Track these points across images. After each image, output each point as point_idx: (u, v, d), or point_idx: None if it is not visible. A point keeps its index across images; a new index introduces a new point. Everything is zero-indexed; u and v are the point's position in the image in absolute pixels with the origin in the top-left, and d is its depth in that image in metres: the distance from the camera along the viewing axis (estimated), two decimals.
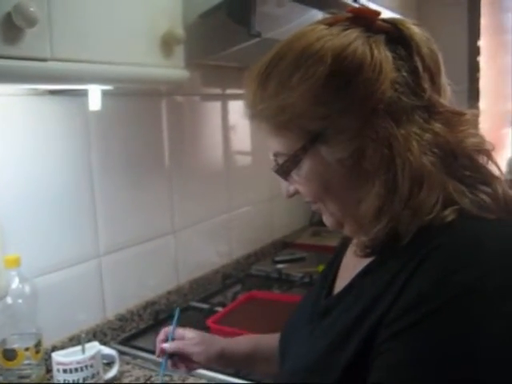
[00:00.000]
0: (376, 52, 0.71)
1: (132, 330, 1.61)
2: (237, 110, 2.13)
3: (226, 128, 2.06)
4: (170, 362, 1.11)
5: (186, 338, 1.11)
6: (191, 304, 1.79)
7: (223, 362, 1.11)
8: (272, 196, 2.34)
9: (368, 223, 0.74)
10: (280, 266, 2.12)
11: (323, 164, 0.76)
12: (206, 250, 1.98)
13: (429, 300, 0.64)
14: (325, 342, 0.76)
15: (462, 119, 0.74)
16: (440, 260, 0.66)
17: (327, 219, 0.82)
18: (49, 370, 1.31)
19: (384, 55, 0.71)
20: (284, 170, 0.79)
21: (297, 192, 0.82)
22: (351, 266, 0.87)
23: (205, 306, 1.76)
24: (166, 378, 1.30)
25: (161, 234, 1.76)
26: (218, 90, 2.03)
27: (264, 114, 0.78)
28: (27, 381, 1.26)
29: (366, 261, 0.79)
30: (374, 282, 0.74)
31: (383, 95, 0.70)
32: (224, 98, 2.05)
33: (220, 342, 1.11)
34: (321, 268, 1.97)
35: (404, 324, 0.65)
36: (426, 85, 0.72)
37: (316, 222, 2.63)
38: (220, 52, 1.58)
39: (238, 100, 2.14)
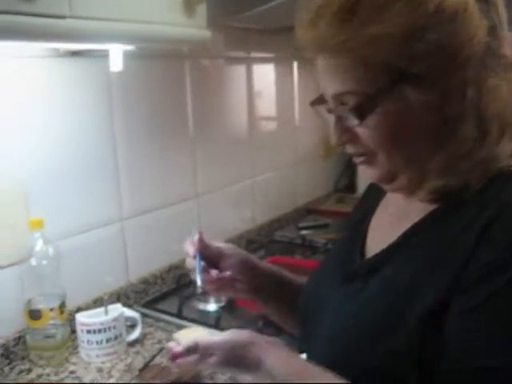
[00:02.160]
0: (473, 1, 0.70)
1: (155, 294, 1.62)
2: (262, 73, 2.10)
3: (250, 92, 2.03)
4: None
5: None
6: None
7: (255, 279, 0.99)
8: (296, 162, 2.32)
9: (438, 172, 0.74)
10: (303, 232, 2.11)
11: (405, 106, 0.71)
12: (230, 215, 1.98)
13: (505, 267, 0.64)
14: (381, 302, 0.75)
15: None
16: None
17: (377, 172, 0.78)
18: (73, 331, 1.33)
19: (478, 6, 0.70)
20: (361, 111, 0.72)
21: (351, 140, 0.77)
22: (386, 225, 0.85)
23: None
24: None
25: (184, 199, 1.75)
26: (242, 53, 1.99)
27: (346, 46, 0.70)
28: (51, 341, 1.27)
29: (409, 219, 0.79)
30: (435, 239, 0.73)
31: (478, 43, 0.69)
32: (249, 62, 2.01)
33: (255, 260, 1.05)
34: None
35: (483, 291, 0.65)
36: (503, 36, 0.73)
37: (340, 189, 2.60)
38: (244, 12, 1.54)
39: (263, 64, 2.11)
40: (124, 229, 1.55)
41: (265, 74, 2.13)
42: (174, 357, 0.78)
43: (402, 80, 0.70)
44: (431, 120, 0.72)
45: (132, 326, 1.38)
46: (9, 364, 1.28)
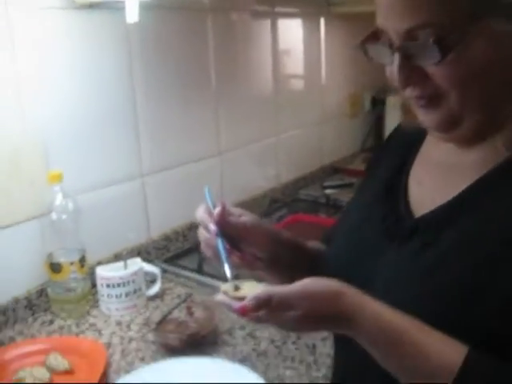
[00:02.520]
0: None
1: (176, 250, 1.63)
2: (288, 29, 2.04)
3: (275, 48, 1.98)
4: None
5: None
6: None
7: (276, 254, 0.89)
8: (322, 120, 2.27)
9: None
10: (328, 191, 2.07)
11: (491, 39, 0.66)
12: (253, 173, 1.95)
13: None
14: (466, 257, 0.70)
15: None
16: None
17: (442, 116, 0.72)
18: (94, 285, 1.34)
19: None
20: (444, 45, 0.65)
21: (420, 81, 0.71)
22: (437, 178, 0.81)
23: None
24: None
25: (206, 156, 1.74)
26: (266, 8, 1.93)
27: None
28: (72, 294, 1.29)
29: (466, 172, 0.75)
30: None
31: None
32: (274, 16, 1.96)
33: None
34: None
35: None
36: None
37: (367, 149, 2.55)
38: None
39: (289, 19, 2.05)
40: (145, 185, 1.55)
41: (291, 30, 2.07)
42: (243, 311, 0.66)
43: (488, 8, 0.64)
44: None
45: (152, 281, 1.38)
46: (32, 315, 1.31)
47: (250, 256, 0.85)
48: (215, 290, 1.37)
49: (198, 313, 1.22)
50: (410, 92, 0.72)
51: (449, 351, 0.65)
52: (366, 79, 2.48)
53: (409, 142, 0.91)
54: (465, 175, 0.76)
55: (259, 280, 0.75)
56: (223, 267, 0.78)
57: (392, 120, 2.41)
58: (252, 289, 0.70)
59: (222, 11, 1.74)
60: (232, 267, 0.78)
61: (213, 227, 0.79)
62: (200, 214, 0.82)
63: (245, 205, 1.86)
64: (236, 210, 0.85)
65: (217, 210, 0.80)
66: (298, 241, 0.97)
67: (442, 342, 0.65)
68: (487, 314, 0.66)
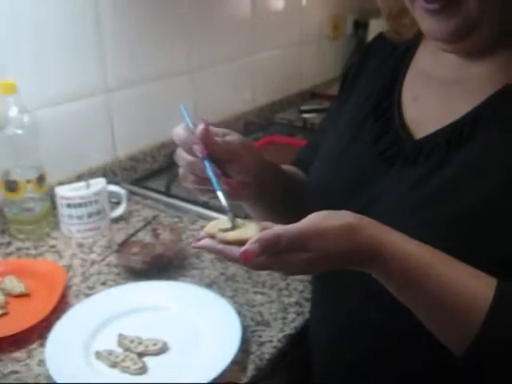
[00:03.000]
0: None
1: (145, 172, 1.54)
2: None
3: None
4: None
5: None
6: None
7: (261, 169, 0.77)
8: (302, 41, 2.15)
9: None
10: (306, 115, 1.99)
11: None
12: (227, 94, 1.85)
13: None
14: (485, 180, 0.63)
15: None
16: None
17: (456, 23, 0.64)
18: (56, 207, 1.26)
19: None
20: None
21: None
22: (439, 93, 0.73)
23: None
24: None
25: (178, 73, 1.62)
26: None
27: None
28: (30, 214, 1.21)
29: (475, 86, 0.68)
30: None
31: None
32: None
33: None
34: None
35: None
36: None
37: None
38: None
39: None
40: (110, 101, 1.44)
41: None
42: (246, 257, 0.54)
43: None
44: None
45: (117, 203, 1.31)
46: None
47: (237, 183, 0.72)
48: (184, 212, 1.33)
49: (165, 235, 1.15)
50: None
51: (478, 284, 0.59)
52: (348, 1, 2.35)
53: (396, 54, 0.83)
54: (474, 91, 0.69)
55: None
56: (216, 196, 0.66)
57: None
58: (246, 230, 0.59)
59: None
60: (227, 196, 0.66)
61: (199, 148, 0.67)
62: (180, 133, 0.69)
63: (218, 126, 1.77)
64: (219, 129, 0.74)
65: (199, 128, 0.68)
66: (277, 165, 0.87)
67: (470, 275, 0.59)
68: (501, 245, 0.60)
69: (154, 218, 1.24)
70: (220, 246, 0.59)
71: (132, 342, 0.87)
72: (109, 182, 1.31)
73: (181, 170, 0.73)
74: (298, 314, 0.98)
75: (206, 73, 1.72)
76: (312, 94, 2.24)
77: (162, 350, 0.87)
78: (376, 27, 2.34)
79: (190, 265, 1.12)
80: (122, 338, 0.88)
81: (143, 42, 1.49)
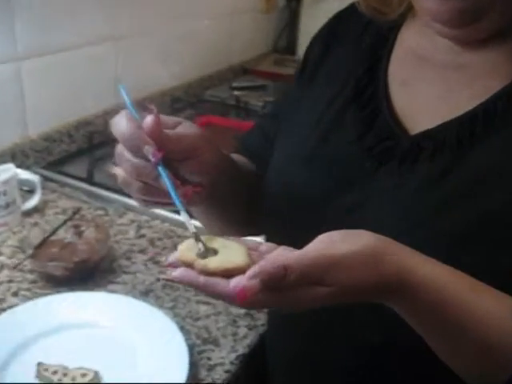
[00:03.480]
0: None
1: (61, 154, 1.35)
2: None
3: None
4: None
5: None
6: None
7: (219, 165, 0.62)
8: (233, 12, 2.00)
9: None
10: (238, 92, 1.84)
11: None
12: (153, 67, 1.67)
13: None
14: (492, 194, 0.53)
15: None
16: None
17: (467, 2, 0.54)
18: None
19: None
20: None
21: None
22: (435, 81, 0.62)
23: None
24: None
25: (98, 41, 1.43)
26: None
27: None
28: None
29: (479, 71, 0.58)
30: None
31: None
32: None
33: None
34: None
35: None
36: None
37: (280, 49, 2.33)
38: None
39: None
40: (21, 71, 1.23)
41: None
42: (244, 296, 0.41)
43: None
44: None
45: (29, 192, 1.12)
46: None
47: (192, 190, 0.56)
48: (109, 203, 1.16)
49: (89, 232, 0.99)
50: None
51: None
52: None
53: (375, 30, 0.70)
54: (480, 79, 0.58)
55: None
56: (179, 210, 0.51)
57: (308, 18, 2.18)
58: (230, 253, 0.45)
59: None
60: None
61: (151, 150, 0.51)
62: (122, 125, 0.53)
63: (141, 104, 1.59)
64: (168, 118, 0.58)
65: (149, 122, 0.52)
66: (232, 159, 0.72)
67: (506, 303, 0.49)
68: None
69: (76, 212, 1.06)
70: (203, 280, 0.44)
71: (55, 373, 0.71)
72: (18, 166, 1.12)
73: (121, 173, 0.56)
74: (251, 329, 0.85)
75: (130, 42, 1.54)
76: (243, 70, 2.10)
77: (93, 381, 0.72)
78: (309, 2, 2.22)
79: (120, 268, 0.97)
80: (42, 369, 0.72)
81: (58, 4, 1.28)
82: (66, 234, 0.98)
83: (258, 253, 0.48)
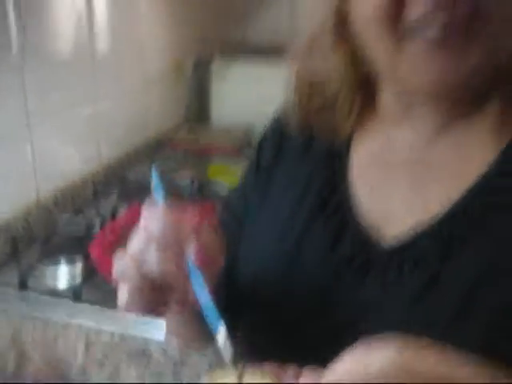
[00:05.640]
0: None
1: None
2: None
3: (89, 5, 1.60)
4: None
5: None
6: (59, 222, 1.41)
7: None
8: (144, 87, 1.97)
9: None
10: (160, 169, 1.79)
11: None
12: (70, 152, 1.58)
13: None
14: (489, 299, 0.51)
15: None
16: None
17: (471, 61, 0.50)
18: None
19: None
20: None
21: None
22: (404, 182, 0.59)
23: (79, 222, 1.40)
24: None
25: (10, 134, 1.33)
26: None
27: None
28: None
29: (450, 166, 0.55)
30: None
31: None
32: None
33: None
34: (213, 172, 1.70)
35: None
36: None
37: (192, 117, 2.32)
38: None
39: None
40: None
41: None
42: None
43: None
44: None
45: None
46: None
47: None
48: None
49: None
50: (435, 19, 0.48)
51: None
52: (189, 42, 2.22)
53: (323, 142, 0.67)
54: (452, 173, 0.56)
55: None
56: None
57: (219, 83, 2.18)
58: None
59: None
60: None
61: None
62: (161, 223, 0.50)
63: (65, 196, 1.51)
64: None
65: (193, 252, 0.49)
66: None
67: None
68: None
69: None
70: None
71: None
72: None
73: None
74: None
75: (42, 129, 1.44)
76: (159, 143, 2.06)
77: None
78: (217, 67, 2.23)
79: None
80: None
81: None
82: None
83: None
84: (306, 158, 0.68)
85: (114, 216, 1.41)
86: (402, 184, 0.61)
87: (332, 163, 0.65)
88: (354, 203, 0.61)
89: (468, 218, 0.55)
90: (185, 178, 1.69)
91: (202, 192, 1.61)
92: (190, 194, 1.58)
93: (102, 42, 1.71)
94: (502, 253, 0.53)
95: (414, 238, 0.57)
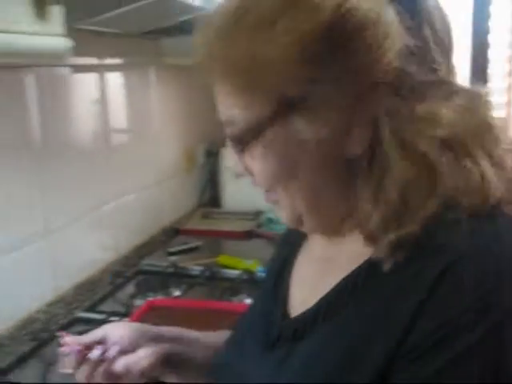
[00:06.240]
0: (384, 12, 0.55)
1: (6, 359, 1.30)
2: (117, 82, 1.84)
3: (105, 103, 1.76)
4: None
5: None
6: (78, 315, 1.50)
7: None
8: (159, 178, 2.10)
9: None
10: (174, 257, 1.89)
11: (293, 139, 0.59)
12: (89, 247, 1.69)
13: (464, 330, 0.52)
14: (322, 366, 0.60)
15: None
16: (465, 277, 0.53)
17: (284, 213, 0.66)
18: None
19: (391, 18, 0.55)
20: (241, 140, 0.62)
21: (247, 172, 0.65)
22: (313, 274, 0.71)
23: (97, 316, 1.48)
24: None
25: (30, 237, 1.43)
26: (93, 60, 1.71)
27: (229, 67, 0.59)
28: None
29: (342, 265, 0.64)
30: (375, 294, 0.59)
31: (388, 66, 0.55)
32: (101, 69, 1.74)
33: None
34: (222, 259, 1.79)
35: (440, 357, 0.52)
36: (440, 59, 0.58)
37: (205, 203, 2.44)
38: (100, 15, 1.29)
39: (117, 71, 1.85)
40: None
41: (120, 83, 1.87)
42: None
43: (291, 109, 0.59)
44: (324, 159, 0.60)
45: None
46: None
47: None
48: None
49: None
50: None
51: None
52: (199, 132, 2.37)
53: (295, 234, 0.80)
54: (338, 270, 0.66)
55: None
56: None
57: (227, 172, 2.31)
58: None
59: (42, 67, 1.47)
60: None
61: None
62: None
63: (84, 288, 1.60)
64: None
65: None
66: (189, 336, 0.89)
67: None
68: None
69: None
70: None
71: None
72: None
73: None
74: None
75: (62, 231, 1.55)
76: (174, 230, 2.16)
77: None
78: (226, 155, 2.36)
79: None
80: None
81: None
82: None
83: None
84: (287, 245, 0.82)
85: (129, 308, 1.50)
86: (311, 276, 0.72)
87: (287, 257, 0.79)
88: (288, 289, 0.75)
89: (322, 310, 0.64)
90: (196, 265, 1.78)
91: (212, 278, 1.70)
92: (201, 282, 1.67)
93: (119, 140, 1.85)
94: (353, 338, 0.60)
95: (291, 322, 0.68)
